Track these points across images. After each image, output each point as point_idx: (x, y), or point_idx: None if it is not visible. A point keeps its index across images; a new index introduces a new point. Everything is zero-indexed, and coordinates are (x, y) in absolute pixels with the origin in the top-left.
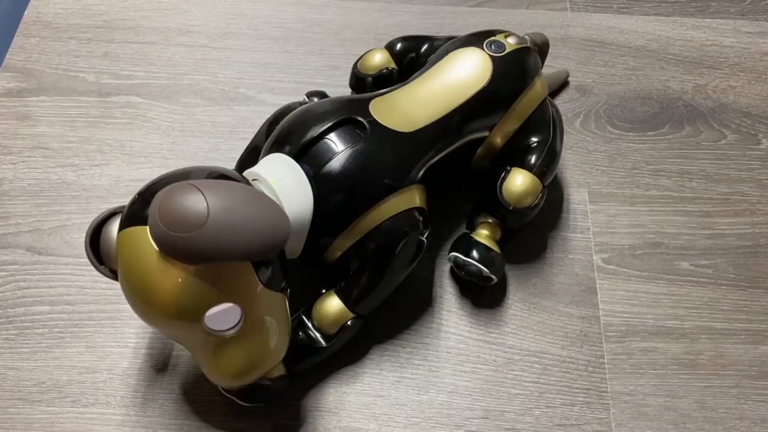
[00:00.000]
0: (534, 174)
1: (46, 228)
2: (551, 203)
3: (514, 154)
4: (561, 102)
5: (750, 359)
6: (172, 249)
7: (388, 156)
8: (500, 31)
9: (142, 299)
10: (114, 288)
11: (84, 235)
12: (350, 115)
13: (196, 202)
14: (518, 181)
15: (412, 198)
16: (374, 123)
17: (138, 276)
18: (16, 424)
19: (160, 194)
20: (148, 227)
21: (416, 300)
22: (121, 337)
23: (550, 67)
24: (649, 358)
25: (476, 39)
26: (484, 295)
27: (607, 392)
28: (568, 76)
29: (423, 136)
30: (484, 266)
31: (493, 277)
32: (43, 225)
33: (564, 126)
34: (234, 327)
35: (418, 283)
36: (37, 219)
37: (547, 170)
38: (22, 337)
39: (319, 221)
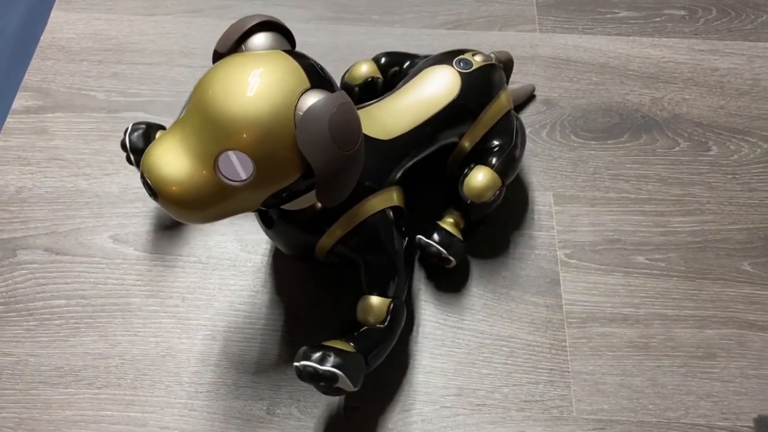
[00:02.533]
0: (494, 171)
1: (62, 231)
2: (519, 204)
3: (478, 155)
4: (529, 114)
5: (697, 342)
6: (320, 150)
7: (369, 161)
8: (468, 51)
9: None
10: (125, 281)
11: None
12: None
13: (357, 131)
14: (479, 177)
15: (390, 198)
16: None
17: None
18: (37, 404)
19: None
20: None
21: None
22: (131, 326)
23: (518, 83)
24: (606, 341)
25: (447, 57)
26: (458, 287)
27: (569, 372)
28: (533, 90)
29: (400, 143)
30: (443, 248)
31: (451, 258)
32: (59, 228)
33: (531, 135)
34: (242, 179)
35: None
36: (54, 223)
37: (505, 169)
38: (41, 327)
39: (310, 217)
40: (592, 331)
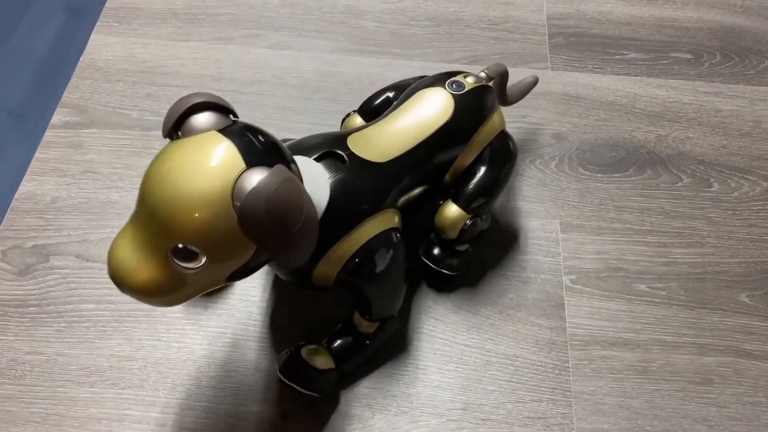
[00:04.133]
0: (460, 207)
1: (93, 239)
2: (528, 230)
3: (465, 180)
4: (539, 146)
5: (695, 368)
6: (257, 230)
7: (365, 184)
8: (460, 72)
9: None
10: None
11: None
12: (331, 148)
13: (299, 207)
14: (446, 213)
15: (389, 220)
16: (352, 155)
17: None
18: (63, 400)
19: (275, 183)
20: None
21: (409, 310)
22: (155, 331)
23: (530, 115)
24: (607, 364)
25: (439, 79)
26: (467, 306)
27: (571, 391)
28: (536, 81)
29: (396, 165)
30: (438, 266)
31: (450, 273)
32: (90, 237)
33: (541, 167)
34: (196, 267)
35: (412, 297)
36: (86, 231)
37: (474, 205)
38: (70, 329)
39: None
40: (594, 354)
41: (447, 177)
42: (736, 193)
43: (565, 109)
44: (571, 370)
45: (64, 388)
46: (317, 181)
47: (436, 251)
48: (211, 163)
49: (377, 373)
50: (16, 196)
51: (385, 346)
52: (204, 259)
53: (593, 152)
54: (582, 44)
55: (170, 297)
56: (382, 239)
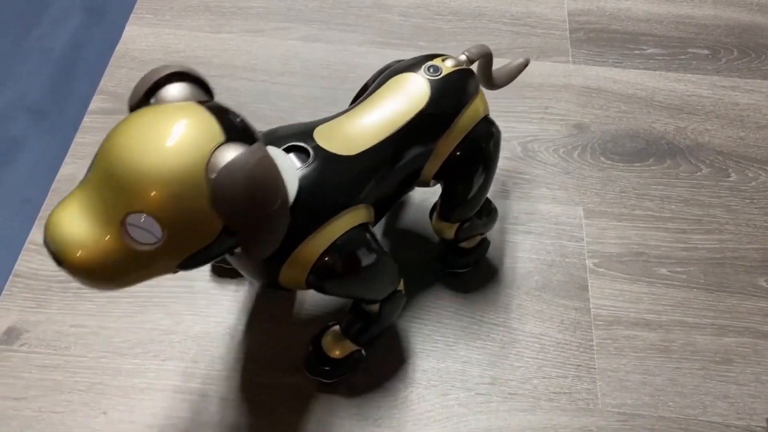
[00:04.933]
0: (442, 219)
1: None
2: (552, 216)
3: (451, 169)
4: (563, 136)
5: (715, 348)
6: (230, 208)
7: (332, 178)
8: (438, 55)
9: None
10: None
11: None
12: (296, 141)
13: (276, 188)
14: (434, 222)
15: (358, 216)
16: (317, 148)
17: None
18: (107, 371)
19: (253, 161)
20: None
21: (438, 292)
22: (194, 307)
23: (552, 107)
24: (630, 343)
25: (416, 63)
26: (494, 287)
27: (595, 368)
28: (527, 63)
29: (365, 158)
30: (459, 268)
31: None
32: None
33: (564, 156)
34: (151, 243)
35: (441, 279)
36: None
37: (457, 214)
38: (112, 304)
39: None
40: (617, 333)
41: (428, 166)
42: (753, 183)
43: (587, 101)
44: (595, 348)
45: (108, 359)
46: (287, 172)
47: (445, 253)
48: (188, 131)
49: (407, 349)
50: (57, 177)
51: (414, 322)
52: (162, 234)
53: (614, 142)
54: (602, 39)
55: (116, 279)
56: (352, 237)
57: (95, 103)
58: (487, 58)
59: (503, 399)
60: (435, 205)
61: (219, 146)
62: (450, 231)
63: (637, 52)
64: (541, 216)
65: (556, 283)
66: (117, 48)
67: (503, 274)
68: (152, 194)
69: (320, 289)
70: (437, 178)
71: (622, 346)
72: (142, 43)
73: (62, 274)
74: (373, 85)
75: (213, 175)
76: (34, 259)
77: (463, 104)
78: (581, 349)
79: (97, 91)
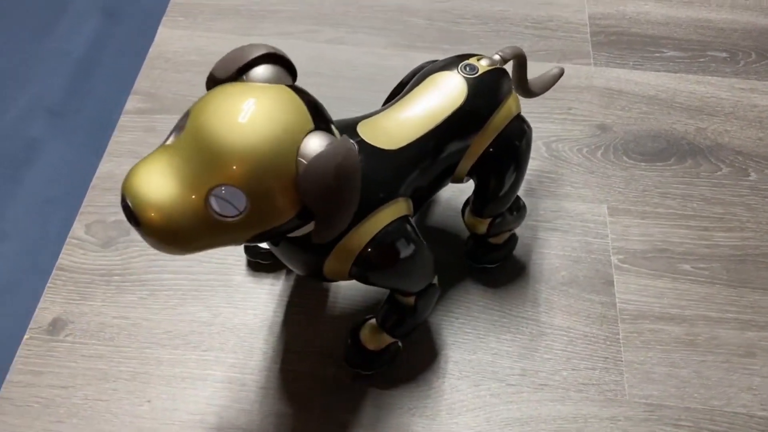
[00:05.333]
0: (475, 215)
1: None
2: (577, 214)
3: (480, 177)
4: (586, 136)
5: (739, 342)
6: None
7: (376, 172)
8: (473, 55)
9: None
10: (226, 261)
11: None
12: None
13: (358, 180)
14: (467, 218)
15: (400, 208)
16: (362, 143)
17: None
18: (150, 361)
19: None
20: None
21: (468, 286)
22: (232, 299)
23: (575, 107)
24: (656, 336)
25: (452, 63)
26: (522, 282)
27: (622, 361)
28: (562, 73)
29: (407, 152)
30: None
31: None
32: None
33: (588, 155)
34: (241, 211)
35: (471, 274)
36: None
37: (489, 209)
38: (152, 296)
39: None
40: (643, 327)
41: (463, 163)
42: None
43: (609, 102)
44: (621, 341)
45: (150, 349)
46: None
47: (475, 249)
48: (283, 115)
49: (439, 341)
50: (96, 174)
51: (446, 316)
52: (245, 209)
53: (636, 142)
54: (622, 42)
55: (188, 245)
56: (394, 229)
57: (131, 103)
58: (520, 60)
59: (534, 390)
60: (467, 201)
61: (309, 132)
62: (482, 226)
63: (657, 54)
64: (567, 213)
65: (583, 279)
66: (150, 50)
67: (531, 269)
68: (245, 170)
69: (363, 280)
70: (470, 174)
71: (648, 340)
72: (176, 45)
73: (104, 268)
74: (410, 83)
75: (303, 161)
76: (76, 253)
77: (497, 103)
78: (608, 342)
79: (132, 92)
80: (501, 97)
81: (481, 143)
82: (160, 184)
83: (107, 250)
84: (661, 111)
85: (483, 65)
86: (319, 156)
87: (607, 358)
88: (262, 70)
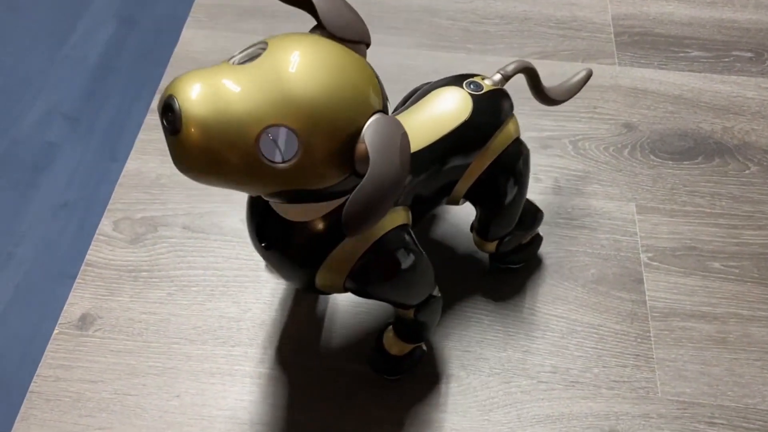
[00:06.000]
0: (480, 239)
1: (197, 212)
2: (606, 212)
3: (482, 189)
4: (612, 135)
5: None
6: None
7: None
8: (476, 75)
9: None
10: (254, 257)
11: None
12: None
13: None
14: (474, 239)
15: (398, 217)
16: None
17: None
18: (178, 356)
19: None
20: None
21: (496, 284)
22: (260, 295)
23: (601, 107)
24: (687, 334)
25: (456, 80)
26: (551, 280)
27: (653, 358)
28: (590, 76)
29: (411, 161)
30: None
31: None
32: (194, 210)
33: (614, 153)
34: (286, 159)
35: (499, 272)
36: (190, 206)
37: (493, 233)
38: (181, 292)
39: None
40: (674, 325)
41: (461, 184)
42: None
43: (634, 102)
44: (652, 339)
45: (179, 344)
46: None
47: (500, 251)
48: (365, 88)
49: (468, 338)
50: (123, 172)
51: (474, 313)
52: (294, 158)
53: (663, 141)
54: (646, 42)
55: (215, 173)
56: (392, 238)
57: (156, 103)
58: (528, 72)
59: (565, 387)
60: (474, 222)
61: (377, 112)
62: (491, 246)
63: (681, 54)
64: (595, 211)
65: (612, 277)
66: (176, 49)
67: (560, 267)
68: (317, 122)
69: (358, 292)
70: (469, 197)
71: (679, 337)
72: (200, 45)
73: (132, 264)
74: (414, 96)
75: (372, 124)
76: (103, 250)
77: (499, 123)
78: (639, 340)
79: (157, 90)
80: (503, 117)
81: (480, 163)
82: (215, 99)
83: (135, 247)
84: (687, 110)
85: (487, 84)
86: (388, 119)
87: (639, 355)
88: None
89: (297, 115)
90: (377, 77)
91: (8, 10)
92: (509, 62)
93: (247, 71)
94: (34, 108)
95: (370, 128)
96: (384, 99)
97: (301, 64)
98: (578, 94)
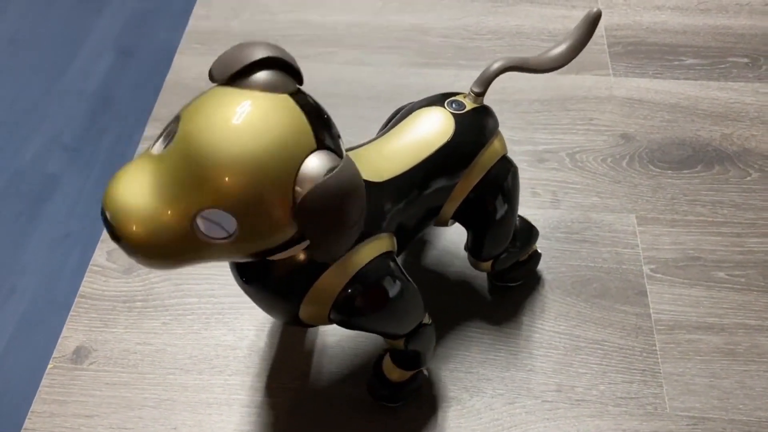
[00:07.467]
0: (474, 258)
1: None
2: (606, 224)
3: (470, 221)
4: (610, 146)
5: None
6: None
7: None
8: (459, 93)
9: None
10: None
11: None
12: None
13: (363, 207)
14: (468, 259)
15: (382, 245)
16: None
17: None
18: (174, 387)
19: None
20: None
21: (496, 302)
22: (257, 321)
23: (597, 118)
24: (694, 347)
25: (438, 99)
26: (553, 296)
27: (660, 373)
28: (599, 15)
29: (393, 185)
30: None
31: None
32: None
33: (613, 165)
34: (220, 237)
35: (498, 290)
36: None
37: (485, 253)
38: (176, 321)
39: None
40: (680, 338)
41: (448, 205)
42: None
43: (630, 112)
44: (658, 353)
45: (174, 375)
46: None
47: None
48: (283, 134)
49: (470, 360)
50: None
51: (474, 332)
52: (234, 233)
53: (661, 151)
54: (640, 52)
55: (172, 261)
56: (376, 267)
57: (150, 130)
58: (507, 69)
59: (570, 405)
60: (466, 242)
61: (310, 154)
62: (486, 265)
63: (676, 63)
64: (595, 224)
65: (615, 290)
66: (168, 77)
67: (561, 282)
68: (235, 194)
69: (344, 324)
70: (458, 218)
71: (686, 350)
72: (193, 72)
73: (126, 294)
74: (396, 118)
75: (301, 187)
76: (97, 281)
77: (484, 141)
78: (645, 354)
79: (150, 118)
80: (488, 135)
81: (467, 183)
82: (143, 199)
83: (129, 277)
84: (685, 118)
85: (469, 102)
86: (322, 185)
87: (645, 370)
88: (263, 76)
89: (218, 193)
90: (309, 108)
91: (8, 44)
92: (481, 72)
93: (164, 160)
94: (35, 140)
95: (305, 171)
96: (324, 130)
97: (210, 138)
98: (574, 106)
